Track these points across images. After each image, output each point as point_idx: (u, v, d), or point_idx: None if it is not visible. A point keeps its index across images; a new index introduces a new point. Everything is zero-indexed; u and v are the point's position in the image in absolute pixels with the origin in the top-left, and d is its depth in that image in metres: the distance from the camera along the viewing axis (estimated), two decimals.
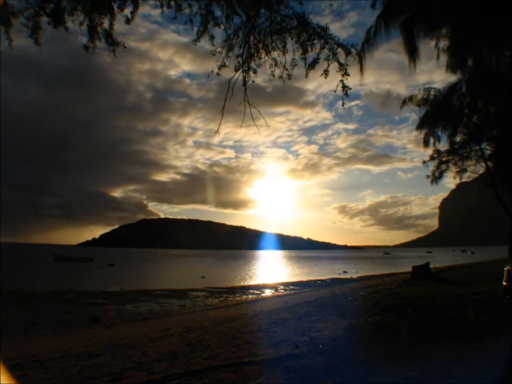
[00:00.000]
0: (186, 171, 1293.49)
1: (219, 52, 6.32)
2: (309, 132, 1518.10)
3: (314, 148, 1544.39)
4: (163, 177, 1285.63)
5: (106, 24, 5.40)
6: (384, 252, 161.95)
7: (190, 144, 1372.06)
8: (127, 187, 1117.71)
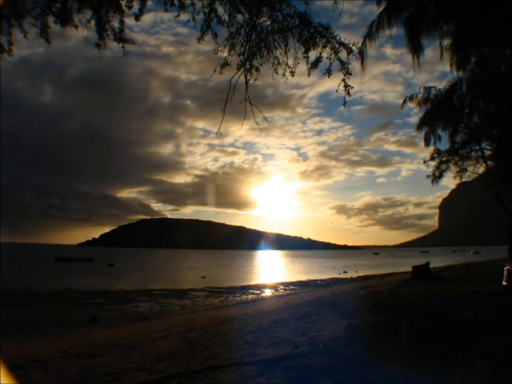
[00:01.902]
0: (198, 172, 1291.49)
1: (221, 51, 6.33)
2: (317, 135, 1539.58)
3: (322, 151, 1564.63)
4: (175, 179, 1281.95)
5: (114, 22, 5.39)
6: (373, 252, 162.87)
7: (203, 146, 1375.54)
8: (136, 189, 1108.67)
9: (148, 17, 5.83)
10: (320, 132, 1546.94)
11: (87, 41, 5.26)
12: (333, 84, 6.35)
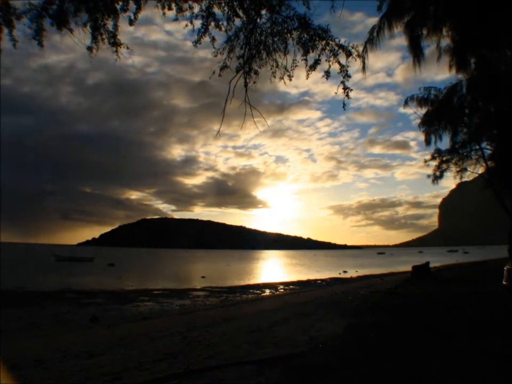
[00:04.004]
0: (209, 174, 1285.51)
1: (220, 53, 6.34)
2: (326, 138, 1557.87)
3: (331, 154, 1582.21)
4: (187, 180, 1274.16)
5: (109, 25, 5.40)
6: (377, 252, 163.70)
7: (215, 148, 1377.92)
8: (147, 190, 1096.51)
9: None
10: (331, 135, 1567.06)
11: (79, 44, 5.23)
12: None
